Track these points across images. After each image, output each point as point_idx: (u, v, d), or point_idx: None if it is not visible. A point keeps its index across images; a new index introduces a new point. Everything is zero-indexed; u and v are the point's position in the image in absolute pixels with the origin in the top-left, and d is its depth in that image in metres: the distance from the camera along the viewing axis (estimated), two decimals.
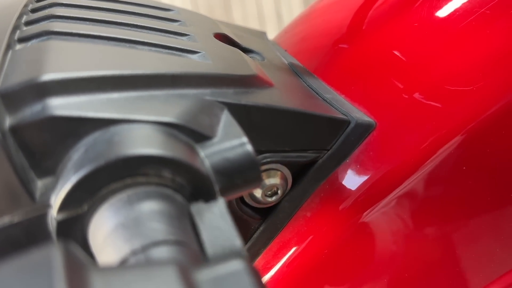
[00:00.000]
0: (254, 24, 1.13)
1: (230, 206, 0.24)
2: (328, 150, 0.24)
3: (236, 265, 0.12)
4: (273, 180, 0.23)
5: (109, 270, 0.11)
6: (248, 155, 0.17)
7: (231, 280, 0.12)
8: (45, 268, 0.09)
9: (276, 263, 0.25)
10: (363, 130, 0.24)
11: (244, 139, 0.17)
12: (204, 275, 0.12)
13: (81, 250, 0.14)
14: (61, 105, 0.16)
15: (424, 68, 0.26)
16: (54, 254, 0.09)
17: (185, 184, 0.16)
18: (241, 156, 0.17)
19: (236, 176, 0.17)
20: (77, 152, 0.16)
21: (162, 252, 0.13)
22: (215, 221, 0.15)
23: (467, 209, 0.25)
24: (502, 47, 0.24)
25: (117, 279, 0.10)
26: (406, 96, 0.25)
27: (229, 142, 0.17)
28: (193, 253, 0.14)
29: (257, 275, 0.12)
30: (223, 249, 0.14)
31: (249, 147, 0.17)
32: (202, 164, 0.17)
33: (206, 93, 0.20)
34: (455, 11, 0.26)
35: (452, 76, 0.25)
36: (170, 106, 0.18)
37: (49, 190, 0.16)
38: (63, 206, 0.15)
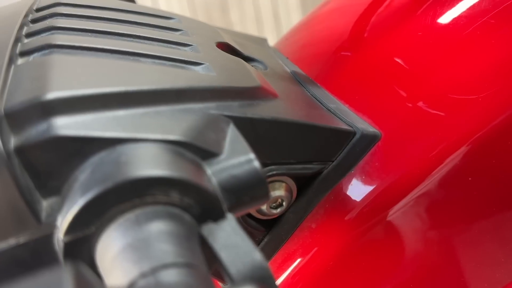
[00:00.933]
0: (251, 26, 1.13)
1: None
2: (333, 161, 0.24)
3: None
4: (278, 192, 0.23)
5: None
6: (255, 172, 0.17)
7: None
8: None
9: (281, 274, 0.25)
10: (369, 141, 0.24)
11: (251, 155, 0.17)
12: None
13: (91, 272, 0.14)
14: (67, 125, 0.16)
15: (428, 77, 0.26)
16: (65, 276, 0.09)
17: (193, 204, 0.16)
18: (248, 173, 0.17)
19: (244, 193, 0.17)
20: (84, 173, 0.16)
21: (171, 275, 0.13)
22: (230, 239, 0.15)
23: (472, 219, 0.25)
24: (507, 56, 0.24)
25: None
26: (411, 106, 0.25)
27: (236, 158, 0.17)
28: (202, 275, 0.14)
29: None
30: (244, 266, 0.14)
31: (256, 164, 0.17)
32: (210, 182, 0.16)
33: (212, 107, 0.20)
34: (459, 19, 0.26)
35: (457, 85, 0.25)
36: (176, 122, 0.18)
37: (55, 210, 0.16)
38: (70, 229, 0.15)
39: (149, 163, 0.15)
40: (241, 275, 0.14)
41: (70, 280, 0.09)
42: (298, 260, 0.25)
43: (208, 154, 0.17)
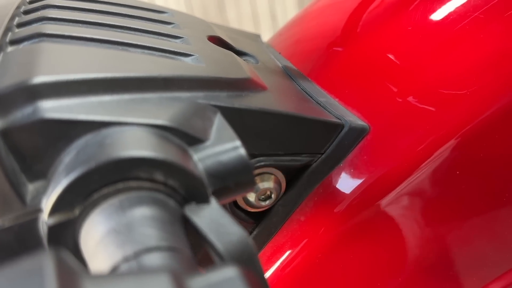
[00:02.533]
0: (248, 24, 1.13)
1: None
2: (322, 154, 0.24)
3: (230, 272, 0.12)
4: (266, 184, 0.23)
5: (101, 278, 0.11)
6: (241, 159, 0.17)
7: (224, 286, 0.11)
8: (37, 276, 0.09)
9: (270, 267, 0.25)
10: (357, 134, 0.24)
11: (237, 142, 0.17)
12: (197, 282, 0.12)
13: (73, 258, 0.14)
14: (52, 108, 0.16)
15: (418, 71, 0.26)
16: (46, 262, 0.09)
17: (178, 187, 0.16)
18: (234, 160, 0.17)
19: (229, 179, 0.17)
20: (69, 155, 0.16)
21: (154, 259, 0.13)
22: (214, 218, 0.15)
23: (460, 213, 0.25)
24: (495, 50, 0.24)
25: (108, 286, 0.10)
26: (400, 100, 0.25)
27: (222, 145, 0.17)
28: (186, 259, 0.14)
29: (252, 281, 0.12)
30: (230, 242, 0.14)
31: (242, 151, 0.17)
32: (195, 166, 0.16)
33: (199, 96, 0.20)
34: (449, 15, 0.27)
35: (446, 79, 0.25)
36: (162, 109, 0.18)
37: (40, 193, 0.16)
38: (54, 210, 0.15)
39: (133, 145, 0.15)
40: (227, 251, 0.14)
41: (51, 265, 0.09)
42: (288, 252, 0.25)
43: (194, 140, 0.17)
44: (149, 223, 0.14)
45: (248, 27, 1.12)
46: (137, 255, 0.13)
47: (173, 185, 0.16)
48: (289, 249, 0.25)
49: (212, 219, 0.15)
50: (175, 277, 0.11)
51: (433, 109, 0.24)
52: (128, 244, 0.13)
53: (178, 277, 0.11)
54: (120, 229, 0.14)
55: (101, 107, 0.17)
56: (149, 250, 0.13)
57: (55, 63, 0.18)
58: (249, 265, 0.14)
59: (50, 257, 0.09)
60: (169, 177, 0.15)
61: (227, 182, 0.17)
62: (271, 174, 0.23)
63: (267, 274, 0.25)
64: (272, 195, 0.24)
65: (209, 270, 0.12)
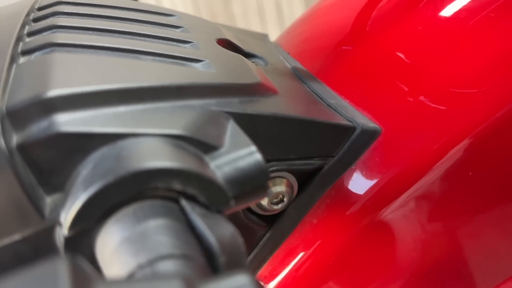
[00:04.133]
0: (254, 19, 1.13)
1: (236, 213, 0.24)
2: (334, 157, 0.24)
3: (242, 280, 0.12)
4: (279, 188, 0.23)
5: (114, 283, 0.11)
6: (258, 164, 0.17)
7: None
8: (51, 281, 0.09)
9: (283, 269, 0.25)
10: (369, 136, 0.24)
11: (253, 147, 0.17)
12: (210, 287, 0.12)
13: (88, 264, 0.14)
14: (68, 121, 0.16)
15: (429, 71, 0.26)
16: (60, 267, 0.10)
17: (197, 195, 0.16)
18: (251, 165, 0.17)
19: (247, 184, 0.17)
20: (86, 168, 0.16)
21: (168, 266, 0.13)
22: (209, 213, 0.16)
23: (474, 212, 0.25)
24: (508, 48, 0.24)
25: None
26: (411, 100, 0.25)
27: (238, 151, 0.17)
28: (199, 266, 0.14)
29: None
30: (225, 239, 0.15)
31: (258, 156, 0.17)
32: (213, 173, 0.17)
33: (212, 103, 0.20)
34: (460, 12, 0.26)
35: (458, 78, 0.25)
36: (176, 118, 0.18)
37: (58, 206, 0.16)
38: (73, 224, 0.15)
39: (150, 156, 0.15)
40: (219, 245, 0.15)
41: (65, 270, 0.09)
42: (301, 254, 0.25)
43: (209, 147, 0.17)
44: (163, 231, 0.15)
45: (254, 22, 1.11)
46: (151, 262, 0.13)
47: (192, 193, 0.16)
48: (302, 251, 0.25)
49: (206, 214, 0.15)
50: (187, 284, 0.11)
51: (445, 109, 0.24)
52: (143, 252, 0.14)
53: (190, 284, 0.11)
54: (135, 238, 0.14)
55: (116, 119, 0.17)
56: (163, 257, 0.14)
57: (68, 74, 0.18)
58: (238, 263, 0.15)
59: (64, 263, 0.10)
60: (188, 185, 0.16)
61: (245, 188, 0.17)
62: (283, 178, 0.23)
63: (280, 276, 0.25)
64: (285, 199, 0.24)
65: (221, 276, 0.12)
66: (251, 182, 0.17)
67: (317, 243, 0.24)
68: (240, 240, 0.15)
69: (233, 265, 0.15)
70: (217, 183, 0.16)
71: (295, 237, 0.25)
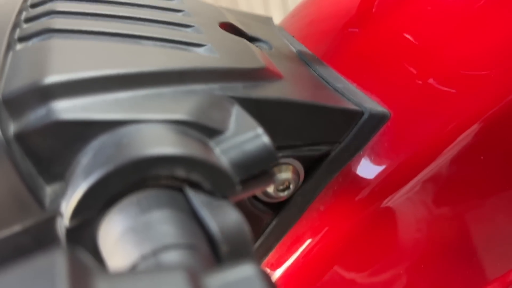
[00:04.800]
0: (257, 1, 1.11)
1: (241, 201, 0.23)
2: (341, 142, 0.23)
3: (248, 270, 0.12)
4: (285, 175, 0.23)
5: (115, 275, 0.11)
6: (265, 146, 0.17)
7: (242, 285, 0.11)
8: (49, 272, 0.09)
9: (290, 256, 0.25)
10: (377, 121, 0.23)
11: (259, 130, 0.17)
12: (214, 280, 0.11)
13: (88, 255, 0.14)
14: (67, 108, 0.16)
15: (439, 52, 0.25)
16: (58, 259, 0.09)
17: (202, 181, 0.15)
18: (258, 148, 0.17)
19: (254, 168, 0.17)
20: (86, 156, 0.16)
21: (172, 256, 0.13)
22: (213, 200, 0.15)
23: (484, 198, 0.24)
24: None
25: (123, 284, 0.10)
26: (421, 83, 0.24)
27: (244, 134, 0.17)
28: (204, 256, 0.14)
29: (268, 279, 0.12)
30: (228, 227, 0.14)
31: (265, 138, 0.17)
32: (218, 158, 0.16)
33: (215, 88, 0.19)
34: None
35: (468, 61, 0.24)
36: (178, 103, 0.18)
37: (59, 196, 0.16)
38: (75, 214, 0.14)
39: (151, 143, 0.15)
40: (222, 233, 0.14)
41: (63, 261, 0.09)
42: (307, 242, 0.24)
43: (213, 131, 0.17)
44: (167, 220, 0.14)
45: (257, 4, 1.10)
46: (155, 253, 0.13)
47: (196, 180, 0.15)
48: (309, 238, 0.24)
49: (210, 201, 0.15)
50: (191, 275, 0.11)
51: (455, 92, 0.23)
52: (146, 242, 0.13)
53: (194, 275, 0.11)
54: (138, 228, 0.14)
55: (116, 105, 0.16)
56: (166, 247, 0.13)
57: (66, 60, 0.17)
58: (244, 252, 0.14)
59: (62, 255, 0.09)
60: (191, 172, 0.15)
61: (253, 171, 0.16)
62: (289, 164, 0.23)
63: (287, 263, 0.25)
64: (291, 186, 0.23)
65: (226, 267, 0.12)
66: (258, 165, 0.17)
67: (324, 230, 0.24)
68: (245, 227, 0.15)
69: (237, 254, 0.14)
70: (222, 169, 0.16)
71: (301, 224, 0.24)
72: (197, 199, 0.15)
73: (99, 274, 0.10)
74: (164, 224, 0.14)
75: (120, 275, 0.10)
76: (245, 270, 0.12)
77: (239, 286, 0.11)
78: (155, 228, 0.14)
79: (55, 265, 0.09)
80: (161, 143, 0.15)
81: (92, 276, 0.10)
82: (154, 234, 0.14)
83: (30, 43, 0.19)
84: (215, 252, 0.14)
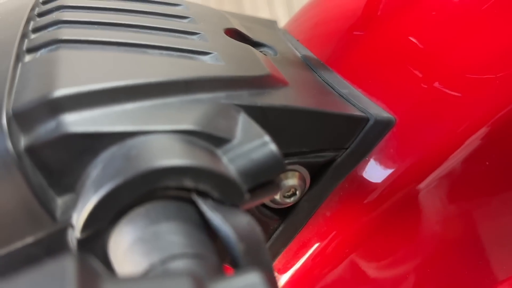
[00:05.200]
0: (262, 2, 1.10)
1: (248, 207, 0.24)
2: (347, 148, 0.23)
3: (253, 278, 0.12)
4: (291, 181, 0.23)
5: (123, 279, 0.11)
6: (272, 154, 0.17)
7: None
8: (59, 278, 0.09)
9: (296, 262, 0.25)
10: (383, 127, 0.23)
11: (266, 138, 0.17)
12: (220, 286, 0.12)
13: (98, 262, 0.14)
14: (76, 122, 0.16)
15: (444, 57, 0.25)
16: (68, 264, 0.10)
17: (210, 190, 0.16)
18: (265, 156, 0.17)
19: (262, 176, 0.17)
20: (96, 168, 0.16)
21: (180, 265, 0.13)
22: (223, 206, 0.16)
23: (491, 202, 0.24)
24: None
25: (130, 287, 0.10)
26: (426, 87, 0.24)
27: (251, 143, 0.17)
28: (211, 265, 0.14)
29: (274, 286, 0.12)
30: (241, 227, 0.14)
31: (272, 146, 0.17)
32: (226, 167, 0.16)
33: (221, 97, 0.20)
34: None
35: (474, 64, 0.24)
36: (185, 113, 0.18)
37: (70, 207, 0.16)
38: (85, 226, 0.15)
39: (159, 155, 0.15)
40: (236, 233, 0.14)
41: (73, 268, 0.09)
42: (314, 247, 0.24)
43: (220, 140, 0.17)
44: (175, 231, 0.14)
45: (262, 5, 1.09)
46: (163, 262, 0.13)
47: (204, 189, 0.15)
48: (315, 244, 0.25)
49: (220, 207, 0.15)
50: (196, 281, 0.11)
51: (461, 96, 0.23)
52: (155, 252, 0.14)
53: (200, 281, 0.11)
54: (147, 238, 0.14)
55: (124, 117, 0.17)
56: (175, 257, 0.13)
57: (74, 72, 0.18)
58: (259, 251, 0.14)
59: (72, 260, 0.10)
60: (199, 182, 0.15)
61: (261, 179, 0.17)
62: (295, 171, 0.23)
63: (294, 268, 0.25)
64: (297, 192, 0.23)
65: (232, 275, 0.12)
66: (266, 173, 0.17)
67: (331, 235, 0.24)
68: (257, 228, 0.15)
69: (253, 253, 0.14)
70: (230, 178, 0.16)
71: (308, 230, 0.25)
72: (207, 205, 0.15)
73: (107, 278, 0.10)
74: (172, 235, 0.14)
75: (127, 279, 0.11)
76: (250, 278, 0.12)
77: None
78: (163, 238, 0.14)
79: (65, 269, 0.09)
80: (169, 154, 0.15)
81: (100, 280, 0.10)
82: (163, 244, 0.14)
83: (38, 54, 0.20)
84: (231, 254, 0.14)
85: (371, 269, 0.25)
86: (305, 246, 0.25)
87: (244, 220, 0.15)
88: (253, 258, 0.14)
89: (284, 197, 0.23)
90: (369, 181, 0.24)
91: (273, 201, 0.24)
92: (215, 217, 0.15)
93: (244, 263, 0.14)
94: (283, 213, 0.25)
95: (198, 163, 0.15)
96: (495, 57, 0.24)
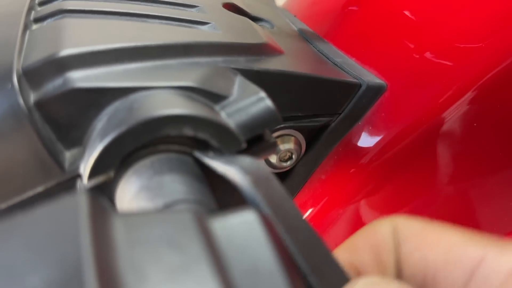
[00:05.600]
0: None
1: None
2: (340, 113, 0.24)
3: (249, 216, 0.12)
4: (287, 145, 0.24)
5: (130, 214, 0.11)
6: (268, 108, 0.17)
7: (242, 228, 0.12)
8: (71, 209, 0.10)
9: None
10: (374, 92, 0.24)
11: (262, 93, 0.18)
12: (218, 222, 0.12)
13: (108, 201, 0.15)
14: (81, 78, 0.17)
15: (433, 26, 0.26)
16: (80, 198, 0.10)
17: (209, 139, 0.16)
18: (261, 110, 0.17)
19: (258, 130, 0.17)
20: (101, 122, 0.17)
21: (182, 208, 0.14)
22: (226, 156, 0.16)
23: (479, 166, 0.25)
24: (509, 3, 0.24)
25: (136, 220, 0.11)
26: (417, 56, 0.25)
27: (248, 98, 0.18)
28: (211, 210, 0.15)
29: (269, 224, 0.12)
30: (247, 166, 0.15)
31: (268, 101, 0.17)
32: (224, 120, 0.17)
33: (219, 61, 0.21)
34: None
35: (462, 33, 0.25)
36: (184, 73, 0.19)
37: (77, 159, 0.17)
38: (92, 174, 0.16)
39: (160, 105, 0.16)
40: (243, 170, 0.14)
41: (85, 201, 0.10)
42: (310, 210, 0.25)
43: (218, 97, 0.18)
44: (178, 180, 0.15)
45: None
46: (167, 206, 0.14)
47: (203, 137, 0.16)
48: (311, 207, 0.26)
49: (221, 156, 0.16)
50: (197, 216, 0.12)
51: (449, 63, 0.24)
52: (159, 198, 0.14)
53: (200, 216, 0.12)
54: (152, 186, 0.15)
55: (127, 75, 0.18)
56: (177, 202, 0.14)
57: (79, 36, 0.19)
58: (266, 181, 0.14)
59: (84, 194, 0.10)
60: (198, 130, 0.16)
61: (258, 131, 0.17)
62: (291, 135, 0.24)
63: None
64: (293, 156, 0.24)
65: (229, 212, 0.12)
66: (262, 126, 0.17)
67: (326, 197, 0.25)
68: (262, 162, 0.15)
69: (262, 182, 0.14)
70: (227, 127, 0.17)
71: (304, 193, 0.26)
72: (209, 156, 0.16)
73: (116, 213, 0.11)
74: (175, 183, 0.15)
75: (134, 214, 0.12)
76: (246, 215, 0.12)
77: (240, 229, 0.12)
78: (167, 186, 0.15)
79: (78, 202, 0.10)
80: (169, 105, 0.16)
81: (110, 213, 0.11)
82: (166, 191, 0.15)
83: (45, 23, 0.21)
84: (242, 192, 0.14)
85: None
86: (301, 208, 0.26)
87: (246, 159, 0.15)
88: (263, 188, 0.14)
89: (281, 161, 0.24)
90: (360, 146, 0.25)
91: (271, 165, 0.25)
92: (218, 163, 0.15)
93: (255, 194, 0.14)
94: (281, 177, 0.26)
95: (197, 112, 0.16)
96: (482, 26, 0.24)
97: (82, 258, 0.08)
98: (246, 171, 0.14)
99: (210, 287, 0.09)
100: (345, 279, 0.12)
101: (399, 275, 0.14)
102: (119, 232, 0.10)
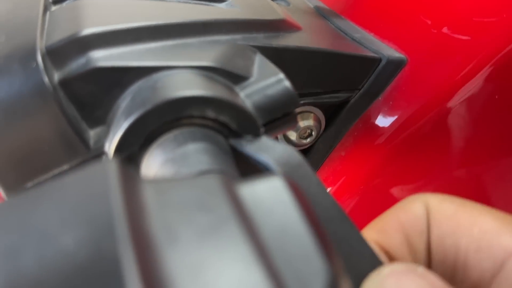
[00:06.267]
0: None
1: None
2: (360, 89, 0.24)
3: (276, 182, 0.12)
4: (307, 122, 0.24)
5: (159, 180, 0.11)
6: (286, 90, 0.18)
7: (270, 193, 0.12)
8: (101, 175, 0.10)
9: None
10: (395, 66, 0.24)
11: (281, 75, 0.18)
12: (245, 187, 0.12)
13: (135, 169, 0.15)
14: (104, 57, 0.17)
15: (452, 2, 0.25)
16: (110, 165, 0.10)
17: (229, 122, 0.17)
18: (280, 92, 0.18)
19: (277, 111, 0.18)
20: (124, 101, 0.17)
21: None
22: (260, 143, 0.16)
23: (497, 137, 0.25)
24: None
25: (165, 184, 0.11)
26: (436, 31, 0.25)
27: (267, 80, 0.18)
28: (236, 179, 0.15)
29: (296, 190, 0.12)
30: (280, 155, 0.15)
31: (286, 83, 0.18)
32: (243, 102, 0.17)
33: (238, 39, 0.20)
34: None
35: (480, 8, 0.24)
36: (205, 52, 0.19)
37: (102, 138, 0.17)
38: (117, 150, 0.16)
39: (184, 86, 0.16)
40: (276, 162, 0.15)
41: (114, 167, 0.10)
42: (329, 188, 0.25)
43: (238, 78, 0.18)
44: (202, 151, 0.15)
45: None
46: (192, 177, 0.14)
47: (224, 120, 0.16)
48: (331, 185, 0.26)
49: (257, 144, 0.16)
50: (225, 179, 0.12)
51: (467, 37, 0.24)
52: (184, 169, 0.15)
53: (228, 180, 0.12)
54: (176, 158, 0.15)
55: (149, 54, 0.18)
56: (202, 172, 0.14)
57: (100, 16, 0.19)
58: (299, 170, 0.15)
59: (114, 162, 0.10)
60: (220, 113, 0.16)
61: (275, 114, 0.17)
62: (311, 112, 0.24)
63: None
64: (313, 133, 0.24)
65: (255, 179, 0.12)
66: (281, 109, 0.18)
67: (346, 174, 0.25)
68: (295, 152, 0.15)
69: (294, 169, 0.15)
70: (247, 111, 0.17)
71: (324, 171, 0.26)
72: (242, 142, 0.16)
73: (145, 179, 0.11)
74: (199, 154, 0.15)
75: (163, 179, 0.12)
76: (273, 181, 0.12)
77: (267, 193, 0.12)
78: (191, 158, 0.15)
79: (107, 168, 0.10)
80: (192, 86, 0.16)
81: (139, 179, 0.11)
82: (191, 162, 0.15)
83: (64, 4, 0.21)
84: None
85: (384, 204, 0.26)
86: None
87: (278, 147, 0.15)
88: (296, 180, 0.14)
89: (301, 138, 0.24)
90: (379, 123, 0.24)
91: (290, 142, 0.25)
92: (251, 151, 0.15)
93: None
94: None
95: (220, 95, 0.16)
96: (497, 0, 0.24)
97: (114, 217, 0.08)
98: (278, 161, 0.14)
99: (240, 246, 0.09)
100: (377, 262, 0.12)
101: (429, 259, 0.14)
102: (149, 195, 0.10)
